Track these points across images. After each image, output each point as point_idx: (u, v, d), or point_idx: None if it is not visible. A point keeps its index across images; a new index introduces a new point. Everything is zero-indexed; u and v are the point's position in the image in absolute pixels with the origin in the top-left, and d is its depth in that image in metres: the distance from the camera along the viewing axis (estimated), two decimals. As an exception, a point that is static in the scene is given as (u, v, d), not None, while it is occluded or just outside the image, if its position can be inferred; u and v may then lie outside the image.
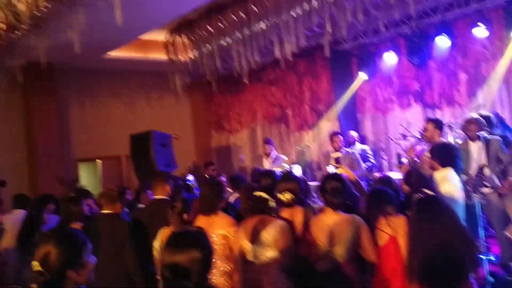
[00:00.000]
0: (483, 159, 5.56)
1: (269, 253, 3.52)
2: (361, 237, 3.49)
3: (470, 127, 5.74)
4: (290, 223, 3.77)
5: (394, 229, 3.43)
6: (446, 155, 4.65)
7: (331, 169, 7.32)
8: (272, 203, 3.73)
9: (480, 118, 5.84)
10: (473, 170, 5.54)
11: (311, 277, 3.52)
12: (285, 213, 3.92)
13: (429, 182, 3.98)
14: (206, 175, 8.34)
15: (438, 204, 3.06)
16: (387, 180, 4.39)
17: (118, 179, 10.85)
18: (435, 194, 3.34)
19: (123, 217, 4.69)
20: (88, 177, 10.85)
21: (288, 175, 4.50)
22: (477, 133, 5.64)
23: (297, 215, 3.90)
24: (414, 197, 3.21)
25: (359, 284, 3.54)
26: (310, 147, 9.85)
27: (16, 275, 5.02)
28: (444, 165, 4.58)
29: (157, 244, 4.04)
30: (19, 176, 9.38)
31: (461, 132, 7.29)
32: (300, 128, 10.82)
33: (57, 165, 9.68)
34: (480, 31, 7.61)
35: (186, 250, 2.18)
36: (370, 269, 3.60)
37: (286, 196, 3.89)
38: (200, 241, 2.25)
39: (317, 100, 10.42)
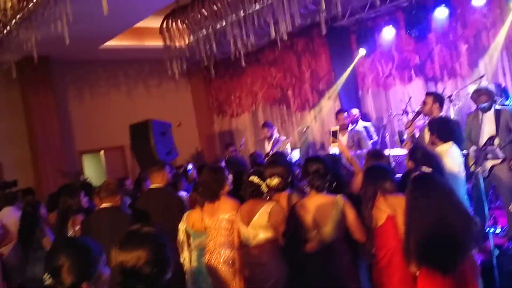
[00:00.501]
0: (493, 130, 5.46)
1: (263, 235, 3.72)
2: (346, 217, 3.50)
3: (481, 98, 5.62)
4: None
5: (392, 208, 3.38)
6: (445, 130, 4.59)
7: (334, 149, 7.24)
8: (264, 187, 3.85)
9: (490, 88, 5.73)
10: (482, 141, 5.46)
11: (302, 259, 3.54)
12: (276, 197, 3.94)
13: (434, 158, 3.90)
14: (227, 156, 8.19)
15: (434, 181, 3.00)
16: (378, 154, 4.36)
17: (122, 170, 10.87)
18: (430, 171, 3.28)
19: (123, 210, 4.64)
20: (92, 169, 10.87)
21: (275, 160, 4.47)
22: (488, 104, 5.53)
23: (283, 200, 3.90)
24: (411, 175, 3.15)
25: (349, 262, 3.57)
26: (310, 127, 9.78)
27: (18, 273, 5.04)
28: (443, 139, 4.52)
29: (182, 226, 4.24)
30: (24, 172, 9.41)
31: (460, 104, 7.23)
32: (301, 109, 10.74)
33: (60, 158, 9.70)
34: (479, 0, 7.46)
35: (133, 250, 2.04)
36: (361, 248, 3.60)
37: (273, 181, 3.89)
38: (151, 241, 2.09)
39: (317, 79, 10.32)
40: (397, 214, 3.32)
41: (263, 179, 3.88)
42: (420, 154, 4.00)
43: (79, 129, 10.51)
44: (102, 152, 10.95)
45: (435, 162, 3.80)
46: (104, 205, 4.46)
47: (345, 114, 8.00)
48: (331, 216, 3.49)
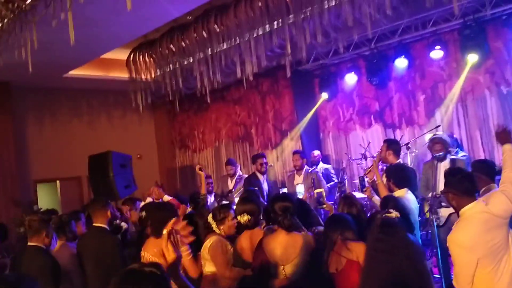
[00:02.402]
0: None
1: (208, 268, 3.95)
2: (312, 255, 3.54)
3: (436, 147, 5.82)
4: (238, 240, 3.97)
5: (354, 254, 3.43)
6: (401, 176, 4.71)
7: (300, 189, 7.32)
8: (215, 228, 4.08)
9: (445, 138, 5.94)
10: (439, 189, 5.62)
11: None
12: (246, 234, 3.99)
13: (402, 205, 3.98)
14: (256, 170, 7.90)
15: (399, 231, 3.03)
16: (350, 198, 4.38)
17: (78, 201, 10.58)
18: (391, 218, 3.35)
19: (47, 252, 4.12)
20: (46, 199, 10.54)
21: (246, 197, 4.52)
22: (443, 153, 5.72)
23: (257, 237, 3.92)
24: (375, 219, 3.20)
25: None
26: (272, 166, 9.86)
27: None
28: (399, 185, 4.64)
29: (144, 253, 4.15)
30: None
31: (417, 151, 7.47)
32: (264, 147, 10.83)
33: (14, 186, 9.38)
34: (437, 53, 7.84)
35: None
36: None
37: (244, 218, 3.99)
38: (152, 281, 1.96)
39: (280, 119, 10.49)
40: (359, 260, 3.34)
41: (216, 219, 4.07)
42: (391, 199, 4.10)
43: (36, 157, 10.24)
44: (58, 182, 10.67)
45: (402, 208, 3.89)
46: (30, 243, 4.01)
47: (298, 155, 8.02)
48: (298, 253, 3.52)
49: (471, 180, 3.24)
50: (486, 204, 3.13)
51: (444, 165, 5.71)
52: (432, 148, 5.90)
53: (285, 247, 3.55)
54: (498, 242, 3.04)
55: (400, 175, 4.72)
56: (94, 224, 4.46)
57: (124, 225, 5.18)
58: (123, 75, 8.86)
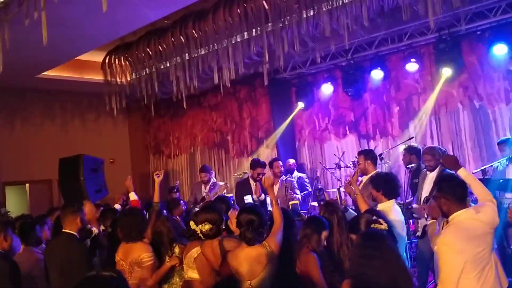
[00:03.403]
0: (428, 191, 5.64)
1: (190, 274, 3.92)
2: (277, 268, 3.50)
3: (425, 157, 5.86)
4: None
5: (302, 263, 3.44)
6: (391, 186, 4.58)
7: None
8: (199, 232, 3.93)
9: (438, 148, 5.98)
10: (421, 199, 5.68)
11: None
12: (208, 243, 3.90)
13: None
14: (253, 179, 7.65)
15: (386, 241, 3.05)
16: (332, 205, 4.31)
17: (48, 205, 10.33)
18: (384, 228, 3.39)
19: (6, 256, 4.04)
20: (15, 202, 10.29)
21: (209, 206, 4.44)
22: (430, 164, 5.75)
23: (215, 247, 3.86)
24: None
25: None
26: (247, 173, 9.82)
27: None
28: (389, 196, 4.53)
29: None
30: None
31: (390, 162, 7.54)
32: (239, 155, 10.80)
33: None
34: (412, 66, 7.95)
35: None
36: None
37: (205, 227, 3.88)
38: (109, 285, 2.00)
39: (256, 127, 10.48)
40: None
41: (198, 223, 3.92)
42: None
43: (5, 158, 9.98)
44: (27, 185, 10.43)
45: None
46: None
47: (280, 162, 8.05)
48: (264, 267, 3.46)
49: (463, 188, 3.35)
50: (476, 212, 3.25)
51: (431, 177, 5.76)
52: (424, 159, 5.94)
53: (250, 264, 3.49)
54: (483, 250, 3.14)
55: (391, 185, 4.58)
56: (64, 230, 4.32)
57: (95, 230, 5.05)
58: (98, 77, 8.73)
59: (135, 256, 4.04)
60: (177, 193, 8.63)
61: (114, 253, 4.28)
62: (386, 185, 4.60)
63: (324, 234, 3.81)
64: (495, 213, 3.29)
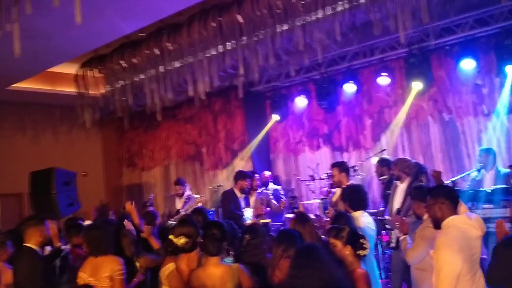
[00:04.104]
0: (400, 202, 5.71)
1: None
2: (243, 286, 3.48)
3: (394, 169, 5.95)
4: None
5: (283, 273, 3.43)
6: (356, 198, 4.67)
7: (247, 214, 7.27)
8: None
9: (406, 161, 6.06)
10: (393, 210, 5.75)
11: None
12: (184, 258, 3.87)
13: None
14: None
15: (318, 252, 3.07)
16: (303, 217, 4.32)
17: (18, 219, 10.08)
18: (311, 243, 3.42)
19: None
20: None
21: (186, 219, 4.43)
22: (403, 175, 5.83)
23: (193, 261, 3.84)
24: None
25: None
26: (222, 186, 9.82)
27: None
28: (354, 208, 4.61)
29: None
30: None
31: (363, 174, 7.65)
32: (214, 167, 10.79)
33: None
34: (384, 80, 8.11)
35: None
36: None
37: (180, 241, 3.85)
38: None
39: (231, 139, 10.50)
40: None
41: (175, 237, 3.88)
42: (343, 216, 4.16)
43: (-26, 171, 9.76)
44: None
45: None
46: None
47: (257, 176, 8.05)
48: (227, 286, 3.45)
49: (456, 192, 3.56)
50: (468, 218, 3.39)
51: (401, 188, 5.82)
52: (393, 170, 6.03)
53: (213, 280, 3.49)
54: (475, 254, 3.31)
55: (356, 197, 4.67)
56: (24, 244, 4.20)
57: (65, 247, 4.89)
58: (71, 89, 8.63)
59: (107, 269, 3.93)
60: (151, 207, 8.52)
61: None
62: (351, 196, 4.72)
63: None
64: (482, 221, 3.46)
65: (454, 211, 3.39)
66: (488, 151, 6.45)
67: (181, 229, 3.91)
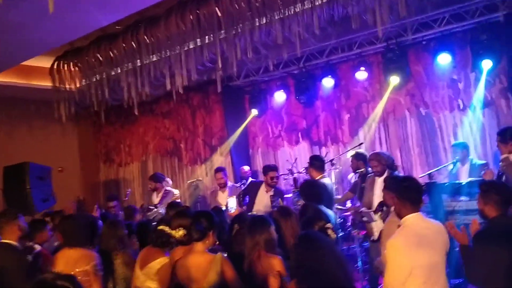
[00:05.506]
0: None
1: (150, 284, 3.79)
2: (225, 276, 3.47)
3: (372, 163, 5.98)
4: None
5: (265, 268, 3.40)
6: (310, 193, 4.74)
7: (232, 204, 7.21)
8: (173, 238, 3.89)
9: (383, 153, 6.11)
10: (374, 204, 5.76)
11: None
12: (180, 250, 3.84)
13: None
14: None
15: (321, 240, 3.07)
16: (286, 210, 4.25)
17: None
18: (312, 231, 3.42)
19: None
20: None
21: (183, 211, 4.41)
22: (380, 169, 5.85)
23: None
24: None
25: None
26: (200, 181, 9.78)
27: None
28: (309, 202, 4.62)
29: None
30: None
31: (341, 168, 7.69)
32: (193, 162, 10.73)
33: None
34: (362, 74, 8.16)
35: None
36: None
37: (178, 233, 3.85)
38: None
39: (210, 134, 10.45)
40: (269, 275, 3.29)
41: (172, 229, 3.88)
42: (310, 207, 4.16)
43: None
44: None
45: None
46: None
47: (222, 173, 7.97)
48: (209, 276, 3.44)
49: (418, 191, 3.36)
50: (425, 217, 3.32)
51: (380, 181, 5.80)
52: (371, 165, 6.05)
53: (196, 270, 3.48)
54: (435, 261, 3.17)
55: (309, 192, 4.74)
56: (1, 241, 4.08)
57: (37, 247, 4.71)
58: (46, 83, 8.48)
59: (82, 263, 3.78)
60: (114, 202, 8.34)
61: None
62: (307, 191, 4.81)
63: (272, 228, 3.66)
64: (444, 228, 3.38)
65: (412, 209, 3.28)
66: (461, 146, 6.55)
67: (179, 221, 3.88)
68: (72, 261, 3.80)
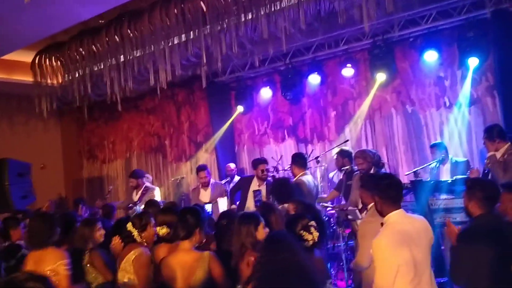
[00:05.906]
0: None
1: (130, 276, 3.70)
2: (213, 274, 3.42)
3: (357, 161, 5.92)
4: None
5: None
6: (280, 191, 4.73)
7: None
8: (136, 236, 3.83)
9: (369, 151, 6.05)
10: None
11: None
12: (164, 247, 3.81)
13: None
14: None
15: (287, 242, 3.00)
16: (269, 206, 4.20)
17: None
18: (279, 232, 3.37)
19: None
20: None
21: (168, 208, 4.34)
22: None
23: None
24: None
25: None
26: (185, 178, 9.67)
27: None
28: (281, 201, 4.64)
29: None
30: None
31: (326, 165, 7.64)
32: (177, 159, 10.61)
33: None
34: (348, 71, 8.10)
35: None
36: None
37: (162, 230, 3.83)
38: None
39: (195, 131, 10.33)
40: None
41: (137, 227, 3.83)
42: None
43: None
44: None
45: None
46: None
47: (205, 171, 7.80)
48: (196, 274, 3.38)
49: (398, 188, 3.32)
50: (407, 212, 3.28)
51: None
52: (356, 163, 6.00)
53: (183, 267, 3.41)
54: (421, 257, 3.13)
55: (279, 191, 4.73)
56: None
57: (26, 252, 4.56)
58: (28, 78, 8.31)
59: (50, 262, 3.65)
60: (82, 206, 8.13)
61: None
62: (277, 190, 4.83)
63: (261, 225, 3.55)
64: (427, 222, 3.34)
65: (394, 206, 3.24)
66: (442, 146, 6.54)
67: (163, 218, 3.86)
68: (40, 260, 3.70)
